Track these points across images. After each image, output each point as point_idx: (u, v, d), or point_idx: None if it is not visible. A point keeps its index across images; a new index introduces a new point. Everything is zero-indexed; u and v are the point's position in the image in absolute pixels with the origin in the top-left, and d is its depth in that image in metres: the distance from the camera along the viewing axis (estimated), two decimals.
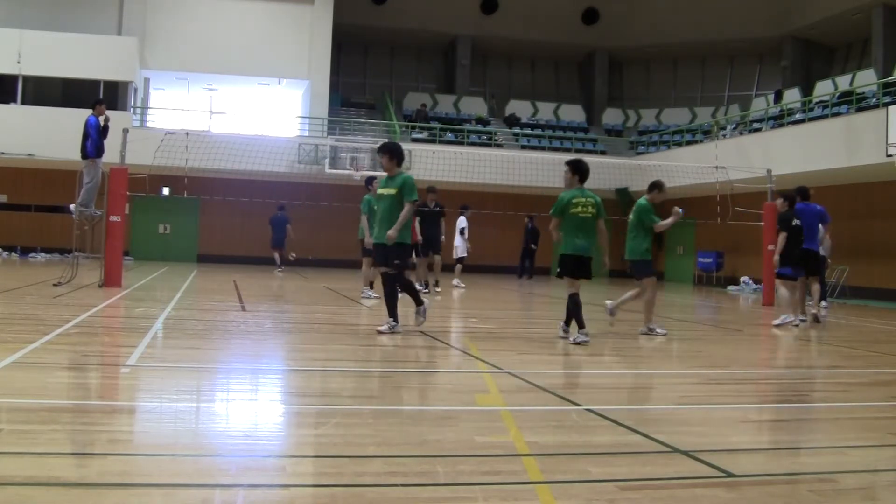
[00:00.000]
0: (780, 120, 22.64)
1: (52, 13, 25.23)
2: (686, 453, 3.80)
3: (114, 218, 13.09)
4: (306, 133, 26.56)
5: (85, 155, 12.89)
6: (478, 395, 5.27)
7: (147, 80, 27.44)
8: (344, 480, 3.27)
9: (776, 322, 10.56)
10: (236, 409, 4.76)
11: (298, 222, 22.85)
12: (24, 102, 24.49)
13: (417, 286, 15.06)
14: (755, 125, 24.01)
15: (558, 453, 3.79)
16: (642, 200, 9.33)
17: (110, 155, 13.45)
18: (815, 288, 12.00)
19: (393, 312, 8.18)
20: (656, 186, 9.46)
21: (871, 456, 4.02)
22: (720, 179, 17.54)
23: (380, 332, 8.01)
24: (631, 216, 9.31)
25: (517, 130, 29.11)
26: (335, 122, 27.47)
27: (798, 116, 21.53)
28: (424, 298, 8.37)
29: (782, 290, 10.81)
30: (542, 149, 27.26)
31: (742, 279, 22.95)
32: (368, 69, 32.81)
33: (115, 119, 14.20)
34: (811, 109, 21.30)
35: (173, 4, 26.34)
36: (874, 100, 19.04)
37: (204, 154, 17.13)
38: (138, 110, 26.18)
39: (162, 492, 3.03)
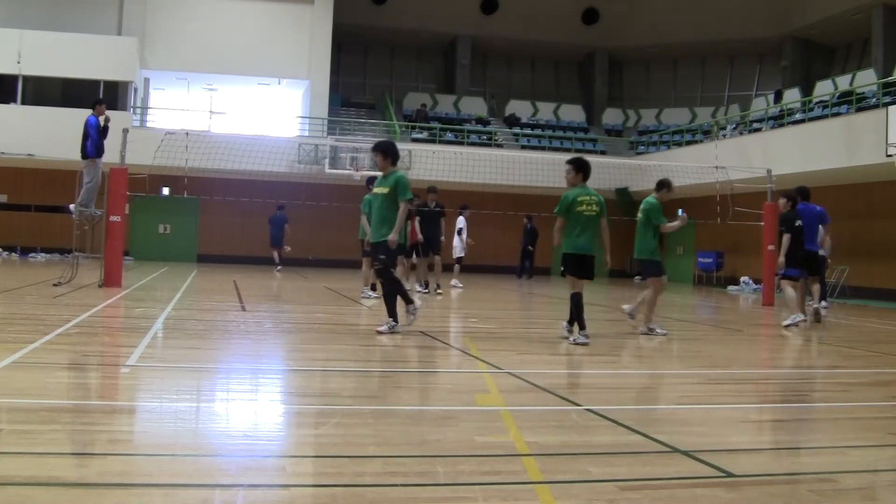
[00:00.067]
0: (780, 120, 22.64)
1: (52, 13, 25.24)
2: (686, 453, 3.80)
3: (114, 218, 13.08)
4: (306, 133, 26.57)
5: (85, 155, 12.88)
6: (478, 395, 5.27)
7: (147, 80, 27.44)
8: (344, 480, 3.27)
9: (786, 323, 10.49)
10: (236, 409, 4.76)
11: (298, 222, 22.87)
12: (24, 102, 24.50)
13: (417, 287, 15.17)
14: (755, 125, 24.01)
15: (558, 453, 3.79)
16: (652, 199, 9.27)
17: (110, 155, 13.45)
18: (816, 288, 12.00)
19: (392, 312, 8.18)
20: (665, 185, 9.44)
21: (871, 456, 4.02)
22: (720, 179, 17.54)
23: (379, 333, 8.01)
24: (640, 215, 9.27)
25: (517, 130, 29.12)
26: (335, 122, 27.47)
27: (798, 116, 21.53)
28: (415, 298, 8.36)
29: (789, 291, 10.75)
30: (542, 149, 27.26)
31: (742, 279, 22.95)
32: (368, 69, 32.82)
33: (115, 119, 14.20)
34: (811, 109, 21.31)
35: (173, 4, 26.34)
36: (874, 100, 19.04)
37: (204, 154, 17.14)
38: (138, 110, 26.19)
39: (162, 492, 3.03)
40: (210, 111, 27.63)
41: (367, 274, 13.15)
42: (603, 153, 27.63)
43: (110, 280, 12.73)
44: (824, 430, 4.79)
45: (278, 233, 21.30)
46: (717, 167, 17.92)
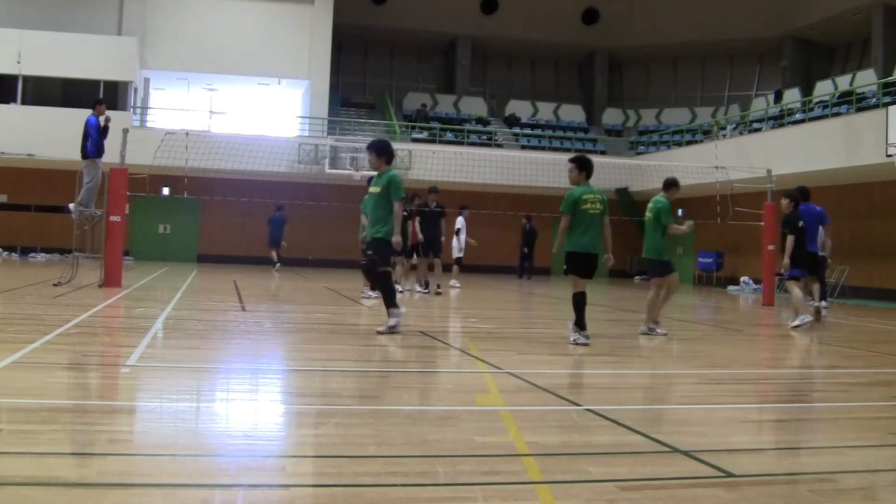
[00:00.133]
0: (780, 120, 22.64)
1: (52, 13, 25.24)
2: (686, 453, 3.80)
3: (114, 218, 13.08)
4: (306, 133, 26.57)
5: (85, 155, 12.88)
6: (478, 395, 5.27)
7: (147, 80, 27.44)
8: (344, 480, 3.27)
9: (794, 324, 10.43)
10: (236, 409, 4.76)
11: (298, 222, 22.87)
12: (24, 102, 24.49)
13: (417, 287, 15.17)
14: (755, 125, 24.01)
15: (558, 453, 3.79)
16: (662, 199, 9.23)
17: (110, 155, 13.45)
18: (815, 287, 12.00)
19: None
20: (674, 184, 9.43)
21: (871, 456, 4.02)
22: (720, 179, 17.54)
23: (379, 333, 8.01)
24: (648, 214, 9.23)
25: (517, 130, 29.11)
26: (335, 122, 27.47)
27: (798, 116, 21.53)
28: (401, 307, 8.25)
29: (797, 292, 10.69)
30: (542, 149, 27.26)
31: (742, 279, 22.96)
32: (368, 69, 32.82)
33: (115, 119, 14.19)
34: (811, 109, 21.31)
35: (173, 4, 26.34)
36: (874, 100, 19.04)
37: (204, 154, 17.14)
38: (138, 110, 26.19)
39: (162, 492, 3.03)
40: (210, 111, 27.63)
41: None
42: (603, 153, 27.63)
43: (110, 280, 12.73)
44: (824, 430, 4.79)
45: (277, 233, 21.31)
46: (717, 167, 17.92)
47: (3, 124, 22.84)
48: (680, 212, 9.54)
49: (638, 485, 3.31)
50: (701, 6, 29.29)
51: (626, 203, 25.93)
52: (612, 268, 9.59)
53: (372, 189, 8.22)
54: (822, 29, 27.28)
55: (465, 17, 31.08)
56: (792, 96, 23.94)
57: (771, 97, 25.66)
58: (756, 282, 21.14)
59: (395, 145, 25.91)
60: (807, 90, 23.88)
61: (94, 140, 12.82)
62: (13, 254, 24.14)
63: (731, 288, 23.02)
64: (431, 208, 14.97)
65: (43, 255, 23.85)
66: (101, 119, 12.94)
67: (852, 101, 19.43)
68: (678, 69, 32.78)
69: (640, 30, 31.08)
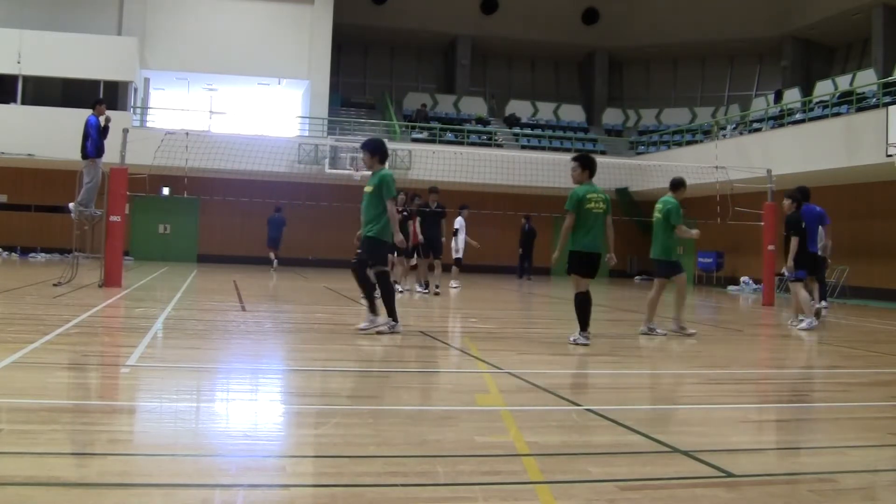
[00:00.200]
0: (780, 120, 22.64)
1: (52, 13, 25.24)
2: (686, 453, 3.80)
3: (114, 218, 13.09)
4: (306, 133, 26.57)
5: (85, 155, 12.88)
6: (478, 395, 5.27)
7: (147, 80, 27.45)
8: (344, 480, 3.27)
9: (802, 326, 10.41)
10: (236, 409, 4.76)
11: (299, 222, 22.88)
12: (24, 102, 24.49)
13: (417, 287, 15.17)
14: (755, 125, 24.00)
15: (558, 453, 3.79)
16: (672, 199, 9.22)
17: (110, 155, 13.45)
18: (814, 288, 11.98)
19: (392, 312, 8.18)
20: (681, 184, 9.43)
21: (871, 456, 4.02)
22: (720, 179, 17.54)
23: (379, 333, 8.01)
24: (658, 215, 9.22)
25: (517, 130, 29.12)
26: (335, 122, 27.47)
27: (798, 116, 21.53)
28: (380, 317, 8.19)
29: (804, 294, 10.64)
30: (542, 149, 27.26)
31: (742, 279, 22.95)
32: (368, 69, 32.82)
33: (115, 119, 14.19)
34: (811, 109, 21.31)
35: (173, 4, 26.34)
36: (874, 100, 19.04)
37: (204, 154, 17.14)
38: (138, 110, 26.19)
39: (162, 492, 3.03)
40: (210, 111, 27.63)
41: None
42: (603, 153, 27.62)
43: (110, 280, 12.73)
44: (824, 430, 4.79)
45: (276, 234, 21.29)
46: (717, 167, 17.92)
47: (3, 124, 22.84)
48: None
49: (638, 485, 3.31)
50: (701, 6, 29.29)
51: (627, 203, 25.93)
52: (612, 268, 9.59)
53: (366, 189, 8.21)
54: (822, 29, 27.28)
55: (465, 17, 31.08)
56: (792, 96, 23.94)
57: (771, 97, 25.66)
58: (756, 282, 21.14)
59: (396, 145, 26.07)
60: (807, 90, 23.88)
61: (94, 140, 12.82)
62: (13, 254, 24.14)
63: (731, 288, 23.01)
64: (432, 209, 14.97)
65: (43, 255, 23.86)
66: (102, 119, 12.95)
67: (852, 101, 19.43)
68: (678, 69, 32.78)
69: (640, 30, 31.08)
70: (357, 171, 22.99)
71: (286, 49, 27.12)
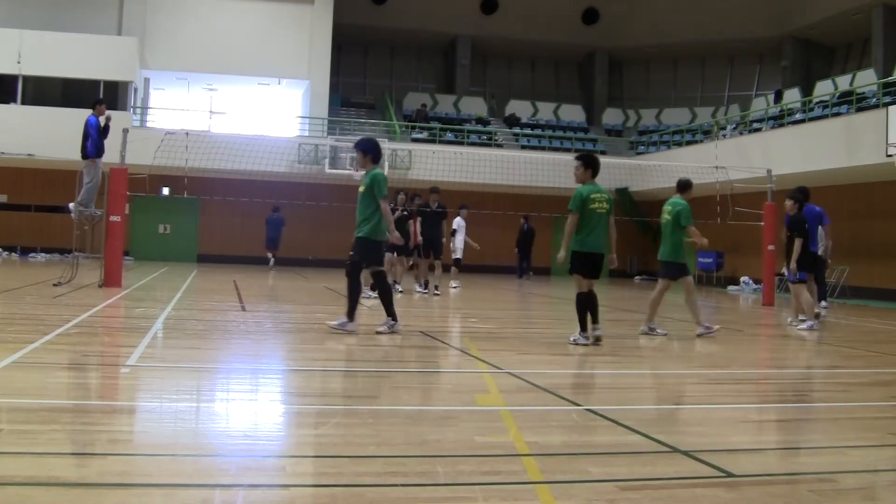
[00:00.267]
0: (780, 120, 22.64)
1: (52, 13, 25.24)
2: (686, 453, 3.80)
3: (114, 218, 13.08)
4: (306, 133, 26.57)
5: (85, 155, 12.88)
6: (478, 395, 5.27)
7: (147, 80, 27.45)
8: (344, 480, 3.27)
9: (802, 327, 10.41)
10: (236, 409, 4.76)
11: (299, 222, 22.87)
12: (24, 102, 24.50)
13: (417, 287, 15.17)
14: (755, 125, 24.00)
15: (558, 453, 3.79)
16: (681, 201, 9.23)
17: (110, 155, 13.45)
18: (813, 288, 11.97)
19: (391, 311, 8.18)
20: (689, 185, 9.46)
21: (871, 456, 4.02)
22: (720, 179, 17.53)
23: (378, 333, 8.01)
24: (667, 217, 9.22)
25: (517, 130, 29.12)
26: (335, 122, 27.47)
27: (798, 116, 21.53)
28: (354, 323, 8.13)
29: (807, 296, 10.62)
30: (542, 149, 27.26)
31: (742, 279, 22.95)
32: (368, 69, 32.82)
33: (115, 119, 14.19)
34: (811, 109, 21.31)
35: (173, 4, 26.34)
36: (874, 100, 19.04)
37: (204, 154, 17.14)
38: (138, 110, 26.19)
39: (162, 492, 3.03)
40: (210, 111, 27.63)
41: (366, 274, 13.11)
42: (603, 153, 27.60)
43: (110, 280, 12.73)
44: (824, 430, 4.79)
45: (274, 234, 21.27)
46: (717, 167, 17.91)
47: (3, 124, 22.84)
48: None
49: (638, 485, 3.31)
50: (701, 6, 29.29)
51: (627, 203, 25.92)
52: (613, 268, 9.59)
53: (360, 189, 8.19)
54: (822, 29, 27.28)
55: (465, 17, 31.08)
56: (792, 96, 23.94)
57: (771, 97, 25.66)
58: (756, 282, 21.13)
59: (396, 145, 26.05)
60: (807, 90, 23.88)
61: (94, 140, 12.82)
62: (13, 254, 24.13)
63: (731, 288, 23.01)
64: (433, 209, 14.96)
65: (43, 255, 23.85)
66: (102, 119, 12.95)
67: (852, 101, 19.43)
68: (678, 69, 32.78)
69: (640, 30, 31.08)
70: (357, 171, 23.00)
71: (286, 49, 27.12)
